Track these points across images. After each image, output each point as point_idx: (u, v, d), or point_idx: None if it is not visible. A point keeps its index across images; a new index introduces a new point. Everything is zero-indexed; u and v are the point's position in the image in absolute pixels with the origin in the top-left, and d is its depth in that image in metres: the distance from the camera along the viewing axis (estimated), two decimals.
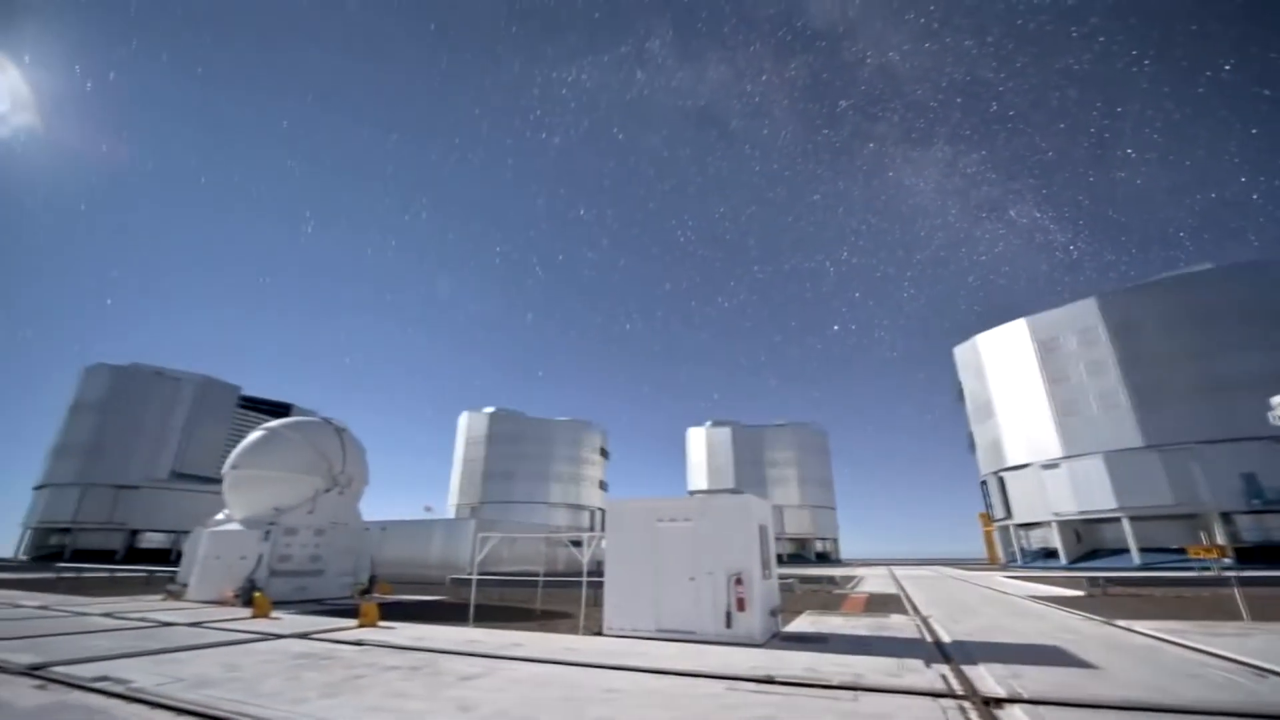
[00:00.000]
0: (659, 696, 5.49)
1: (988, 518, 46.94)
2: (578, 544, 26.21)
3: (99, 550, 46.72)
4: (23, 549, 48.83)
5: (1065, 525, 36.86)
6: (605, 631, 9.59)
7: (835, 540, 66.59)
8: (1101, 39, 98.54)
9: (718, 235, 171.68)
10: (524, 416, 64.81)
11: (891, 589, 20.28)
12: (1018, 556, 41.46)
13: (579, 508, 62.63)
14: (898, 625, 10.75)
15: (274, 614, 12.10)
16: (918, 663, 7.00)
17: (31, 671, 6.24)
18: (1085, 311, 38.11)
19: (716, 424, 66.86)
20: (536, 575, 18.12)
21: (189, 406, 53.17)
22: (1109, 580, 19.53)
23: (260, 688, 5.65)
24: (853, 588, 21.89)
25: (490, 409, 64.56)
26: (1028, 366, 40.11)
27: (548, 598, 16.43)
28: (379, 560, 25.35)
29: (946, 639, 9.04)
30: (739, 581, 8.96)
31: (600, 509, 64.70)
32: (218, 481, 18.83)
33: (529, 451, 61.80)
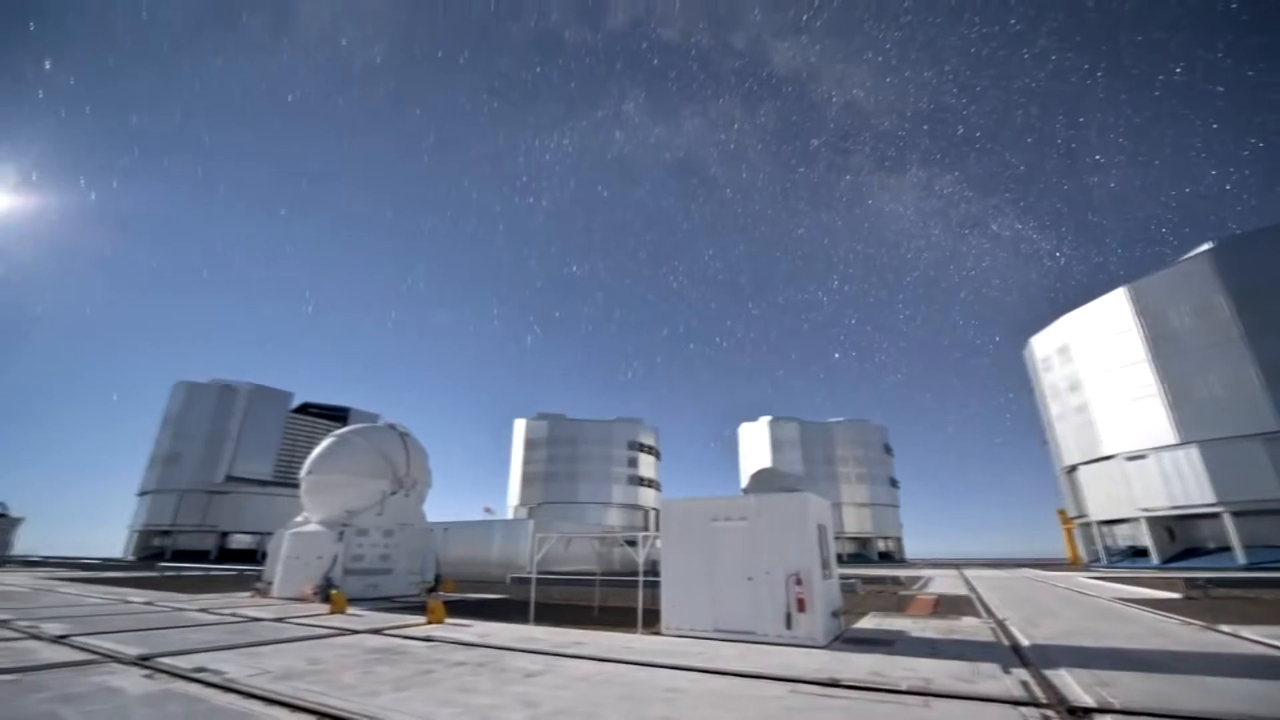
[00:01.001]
0: (720, 697, 5.44)
1: (1066, 515, 43.99)
2: (633, 544, 26.32)
3: (194, 550, 50.81)
4: (130, 550, 53.67)
5: (1156, 522, 33.96)
6: (664, 631, 9.60)
7: (899, 540, 64.14)
8: (1053, 58, 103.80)
9: (709, 277, 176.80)
10: (578, 419, 65.80)
11: (961, 590, 19.32)
12: (1102, 556, 38.59)
13: (634, 507, 62.98)
14: (970, 628, 10.23)
15: (349, 610, 12.78)
16: (993, 667, 6.63)
17: (140, 662, 6.84)
18: (1198, 272, 32.37)
19: (779, 420, 65.70)
20: (593, 575, 18.35)
21: (267, 417, 57.02)
22: (1209, 581, 17.89)
23: (338, 680, 5.98)
24: (919, 589, 20.99)
25: (542, 414, 65.89)
26: (1124, 346, 35.96)
27: (605, 597, 16.60)
28: (442, 560, 26.31)
29: (1025, 642, 8.53)
30: (798, 582, 8.77)
31: (654, 508, 64.88)
32: (297, 486, 20.09)
33: (584, 453, 62.66)
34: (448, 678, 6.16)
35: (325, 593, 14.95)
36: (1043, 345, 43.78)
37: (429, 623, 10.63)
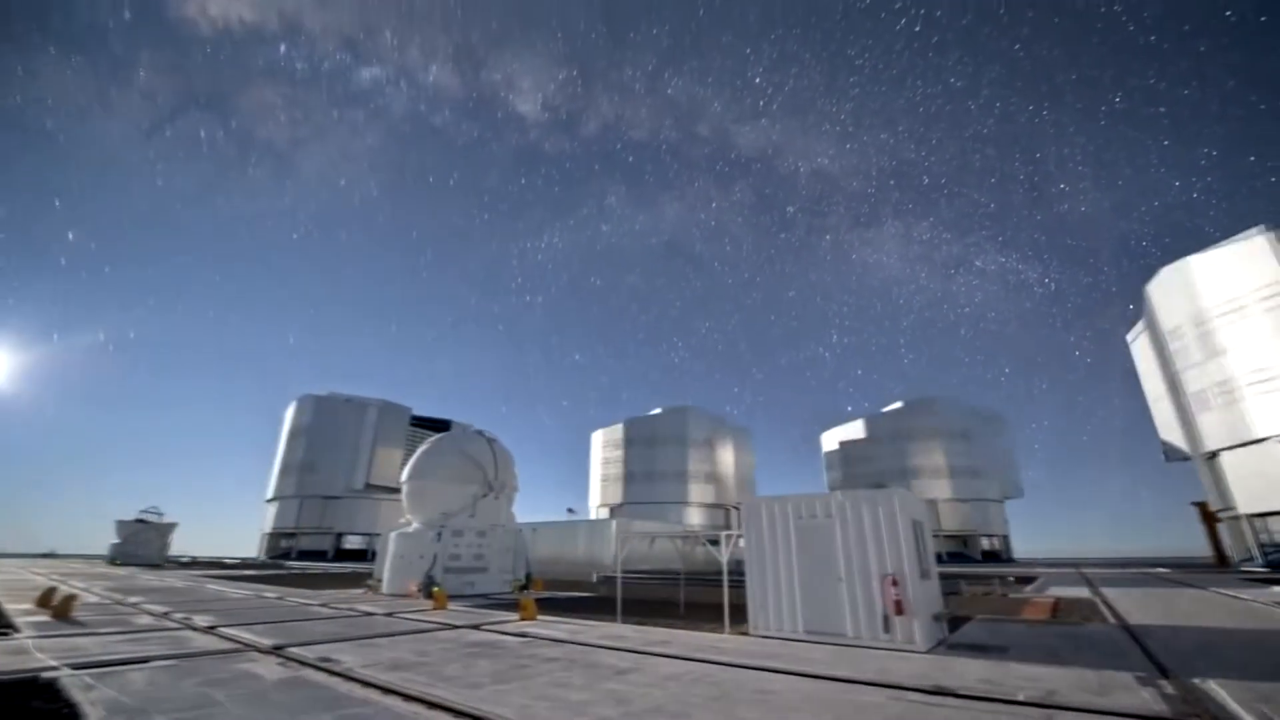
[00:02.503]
0: (815, 702, 5.26)
1: (1208, 508, 38.66)
2: (715, 543, 26.10)
3: (315, 550, 56.09)
4: (262, 550, 60.06)
5: None
6: (751, 631, 9.43)
7: (1005, 537, 59.20)
8: (998, 105, 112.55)
9: (709, 349, 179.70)
10: (657, 417, 66.21)
11: (1083, 592, 17.52)
12: (1255, 554, 33.58)
13: (715, 506, 62.43)
14: (1095, 634, 9.25)
15: (450, 606, 13.58)
16: (1125, 677, 5.95)
17: (274, 651, 7.61)
18: None
19: (873, 417, 62.82)
20: (677, 573, 18.36)
21: (374, 427, 61.86)
22: None
23: (443, 672, 6.35)
24: (1033, 590, 19.27)
25: (619, 423, 66.98)
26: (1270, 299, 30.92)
27: (690, 595, 16.56)
28: (530, 559, 27.35)
29: (1161, 650, 7.59)
30: (894, 583, 8.32)
31: (736, 507, 64.02)
32: (399, 490, 21.64)
33: (664, 453, 62.90)
34: (542, 673, 6.37)
35: (428, 589, 15.98)
36: (1170, 313, 38.45)
37: (522, 619, 11.07)
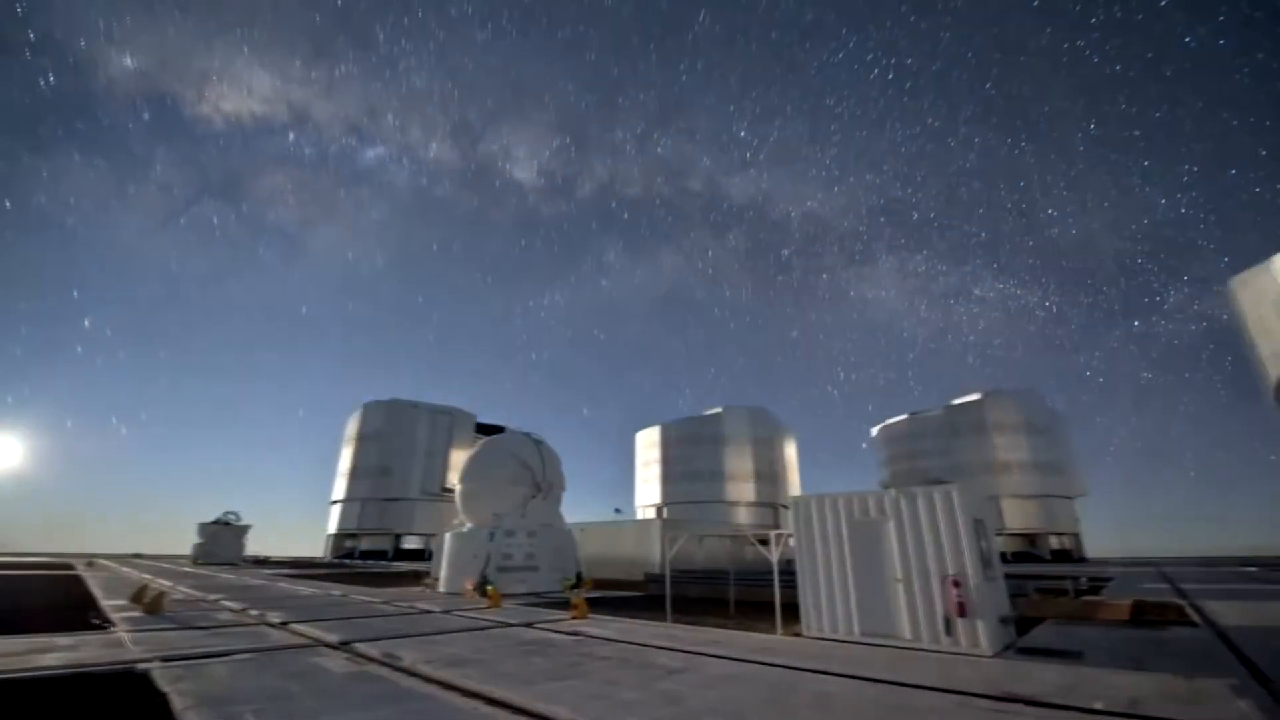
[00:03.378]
0: (877, 707, 5.10)
1: None
2: (764, 542, 25.73)
3: (376, 550, 58.56)
4: (327, 550, 63.19)
5: None
6: (804, 633, 9.24)
7: (1076, 536, 55.77)
8: (976, 140, 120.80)
9: (717, 394, 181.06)
10: (699, 417, 65.86)
11: (1165, 592, 16.31)
12: None
13: (763, 505, 61.55)
14: (1181, 638, 8.59)
15: (504, 605, 13.90)
16: (1218, 685, 5.50)
17: (342, 646, 7.98)
18: None
19: (918, 415, 60.61)
20: (726, 573, 18.21)
21: (448, 430, 64.28)
22: None
23: (499, 669, 6.51)
24: (1108, 591, 18.09)
25: (660, 424, 66.99)
26: None
27: (739, 595, 16.38)
28: (579, 559, 27.68)
29: (1258, 655, 6.97)
30: (955, 584, 7.97)
31: (784, 505, 62.93)
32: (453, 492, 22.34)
33: (709, 452, 62.47)
34: (595, 671, 6.44)
35: (483, 588, 16.42)
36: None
37: (573, 618, 11.22)
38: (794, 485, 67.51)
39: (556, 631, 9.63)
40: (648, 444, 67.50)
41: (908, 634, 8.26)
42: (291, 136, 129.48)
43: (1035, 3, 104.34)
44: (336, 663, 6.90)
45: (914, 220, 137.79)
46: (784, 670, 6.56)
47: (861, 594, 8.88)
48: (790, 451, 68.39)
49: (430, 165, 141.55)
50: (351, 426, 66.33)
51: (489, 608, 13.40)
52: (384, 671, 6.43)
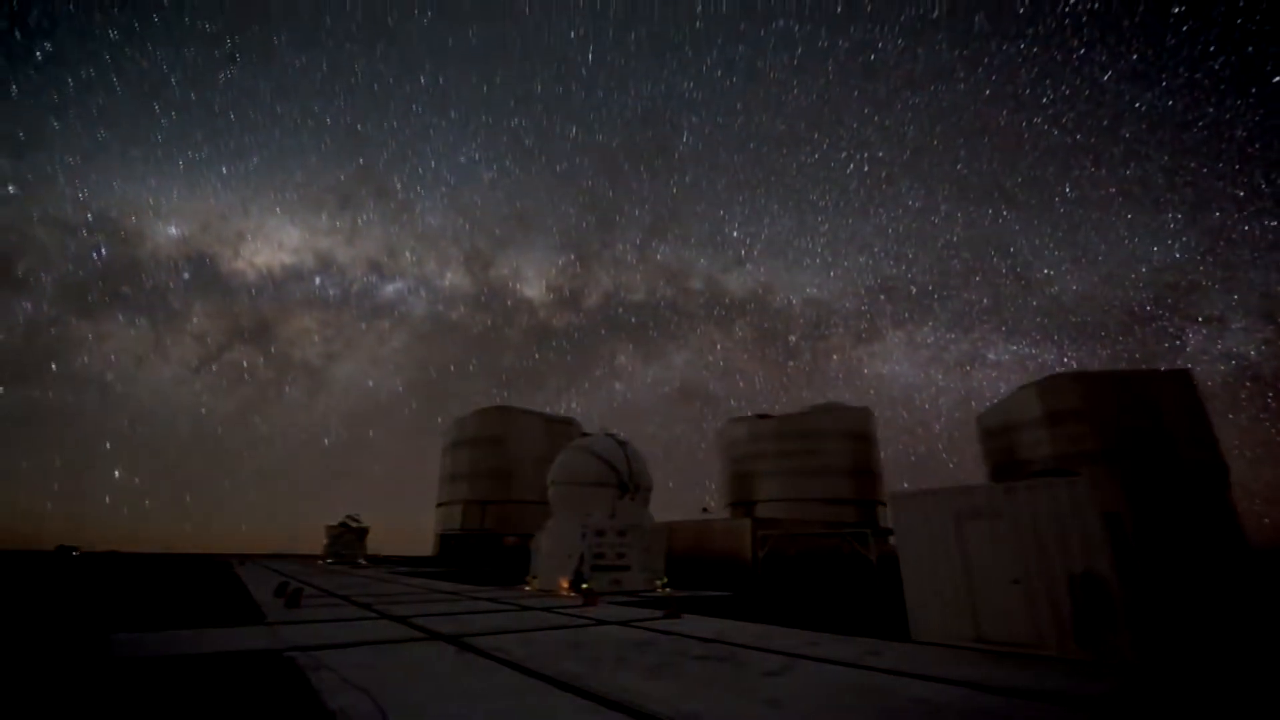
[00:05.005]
0: None
1: None
2: (862, 540, 24.59)
3: (479, 550, 62.16)
4: (435, 549, 67.96)
5: None
6: (913, 637, 8.72)
7: None
8: (959, 214, 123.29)
9: None
10: (793, 414, 64.08)
11: None
12: None
13: (859, 502, 58.74)
14: None
15: (598, 603, 14.27)
16: None
17: (454, 639, 8.54)
18: None
19: (1054, 381, 54.79)
20: (821, 572, 17.58)
21: (544, 437, 67.41)
22: None
23: (597, 665, 6.68)
24: None
25: (747, 415, 65.74)
26: None
27: (837, 595, 15.75)
28: (669, 557, 27.82)
29: None
30: (1086, 586, 7.19)
31: (883, 502, 59.68)
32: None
33: (802, 448, 60.64)
34: (691, 671, 6.44)
35: (578, 586, 16.94)
36: None
37: (666, 617, 11.29)
38: (892, 481, 63.83)
39: (651, 630, 9.74)
40: (737, 440, 66.61)
41: (1034, 641, 7.56)
42: (318, 280, 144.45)
43: (987, 92, 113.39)
44: (451, 655, 7.39)
45: (913, 294, 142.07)
46: (890, 676, 6.22)
47: (975, 596, 8.24)
48: (879, 449, 64.86)
49: (445, 292, 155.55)
50: (458, 431, 70.96)
51: (584, 606, 13.80)
52: (489, 664, 6.81)
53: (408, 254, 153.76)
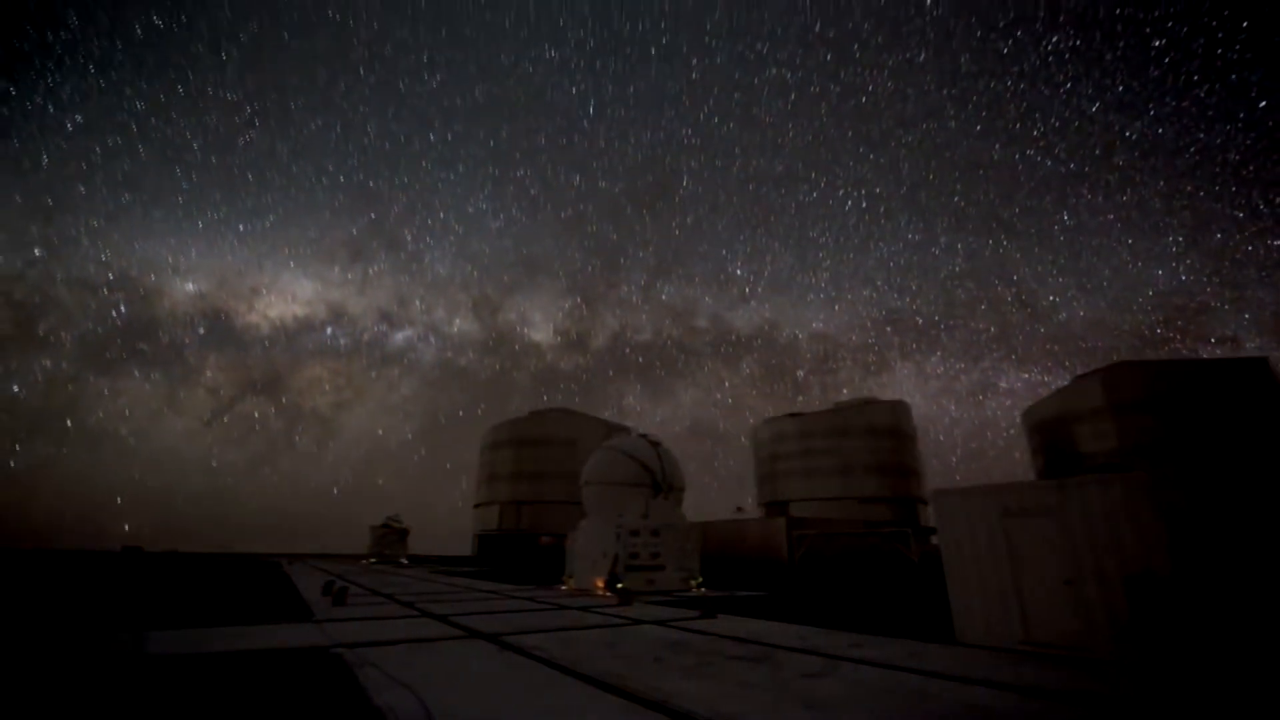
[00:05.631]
0: None
1: None
2: (903, 540, 23.99)
3: (516, 550, 63.13)
4: (474, 549, 69.31)
5: None
6: (958, 639, 8.46)
7: None
8: (959, 245, 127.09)
9: None
10: (826, 410, 63.04)
11: None
12: None
13: (897, 499, 57.33)
14: None
15: (634, 603, 14.31)
16: None
17: (494, 638, 8.69)
18: None
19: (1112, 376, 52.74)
20: (859, 571, 17.22)
21: (593, 437, 68.26)
22: None
23: (634, 665, 6.70)
24: None
25: (772, 415, 65.04)
26: None
27: (876, 595, 15.40)
28: (703, 557, 27.68)
29: None
30: (1145, 586, 6.86)
31: (923, 500, 58.08)
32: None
33: (836, 445, 59.55)
34: (727, 671, 6.40)
35: (613, 586, 17.02)
36: None
37: (701, 617, 11.24)
38: (933, 478, 62.09)
39: (687, 630, 9.72)
40: (768, 440, 65.90)
41: (1087, 645, 7.25)
42: (329, 331, 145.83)
43: (978, 127, 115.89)
44: (492, 653, 7.53)
45: (919, 325, 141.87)
46: (935, 679, 6.06)
47: (1024, 597, 7.95)
48: (919, 445, 63.09)
49: (454, 339, 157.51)
50: (511, 431, 72.40)
51: (620, 605, 13.86)
52: (528, 661, 6.91)
53: (417, 303, 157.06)
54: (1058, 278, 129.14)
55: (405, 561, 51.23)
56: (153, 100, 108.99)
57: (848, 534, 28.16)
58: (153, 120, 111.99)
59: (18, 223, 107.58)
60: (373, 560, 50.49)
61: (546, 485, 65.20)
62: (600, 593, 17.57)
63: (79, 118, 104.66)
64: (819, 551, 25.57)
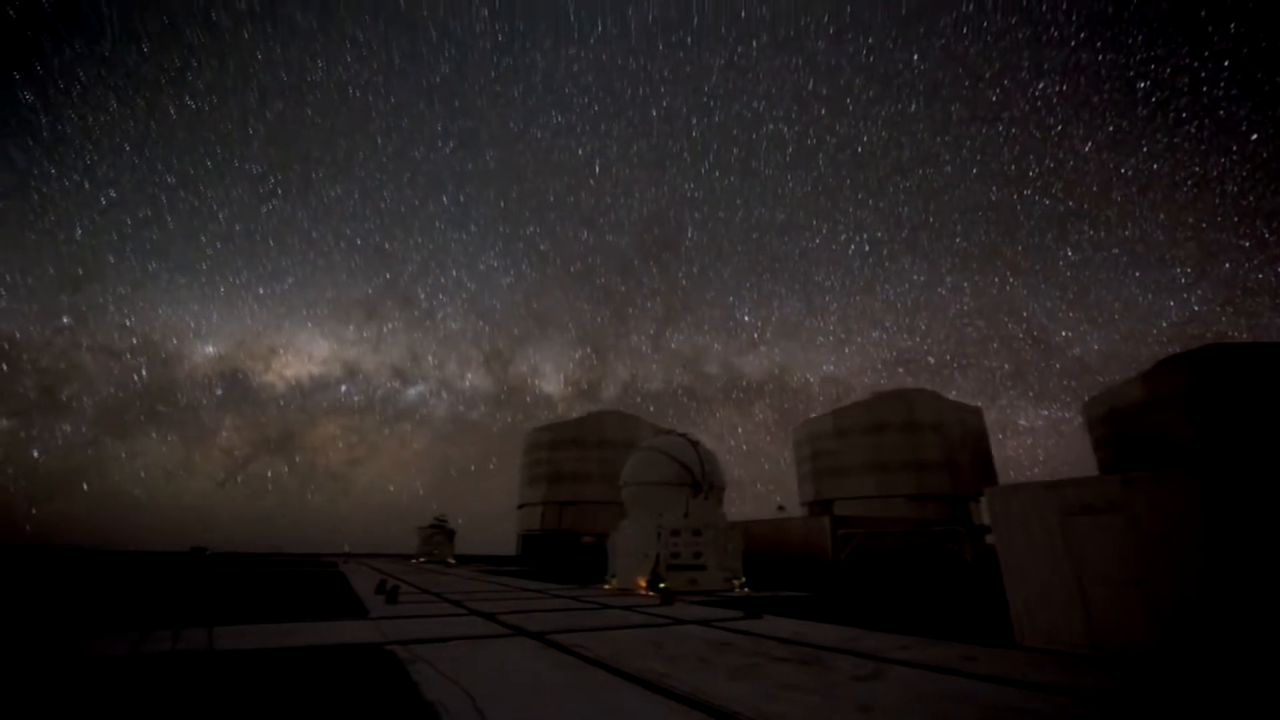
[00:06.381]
0: None
1: None
2: (955, 539, 23.12)
3: (559, 549, 64.02)
4: (518, 549, 70.62)
5: None
6: (1018, 642, 8.10)
7: None
8: (965, 284, 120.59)
9: None
10: (864, 402, 61.51)
11: None
12: None
13: (948, 497, 55.30)
14: None
15: (675, 602, 14.28)
16: None
17: (539, 636, 8.83)
18: None
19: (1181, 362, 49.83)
20: (907, 571, 16.69)
21: (607, 438, 68.90)
22: None
23: (679, 665, 6.68)
24: None
25: (823, 414, 63.78)
26: None
27: (926, 595, 14.89)
28: (745, 557, 27.37)
29: None
30: (1219, 587, 6.39)
31: (975, 498, 55.83)
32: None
33: (879, 441, 57.96)
34: (774, 673, 6.31)
35: (655, 585, 17.04)
36: None
37: (745, 617, 11.12)
38: (989, 475, 59.65)
39: (730, 630, 9.63)
40: (807, 439, 64.68)
41: (1149, 646, 6.82)
42: (343, 389, 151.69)
43: (974, 170, 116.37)
44: (538, 651, 7.65)
45: (931, 364, 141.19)
46: (992, 684, 5.81)
47: (1086, 597, 7.54)
48: (973, 440, 60.61)
49: (466, 393, 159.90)
50: (531, 436, 73.55)
51: (661, 605, 13.85)
52: (573, 660, 6.98)
53: (430, 359, 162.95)
54: (1067, 313, 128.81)
55: (453, 561, 52.63)
56: (183, 174, 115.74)
57: (895, 532, 27.33)
58: (182, 193, 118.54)
59: (49, 293, 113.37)
60: (421, 560, 52.05)
61: (588, 486, 65.99)
62: (643, 592, 17.61)
63: (113, 193, 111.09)
64: (867, 551, 24.91)
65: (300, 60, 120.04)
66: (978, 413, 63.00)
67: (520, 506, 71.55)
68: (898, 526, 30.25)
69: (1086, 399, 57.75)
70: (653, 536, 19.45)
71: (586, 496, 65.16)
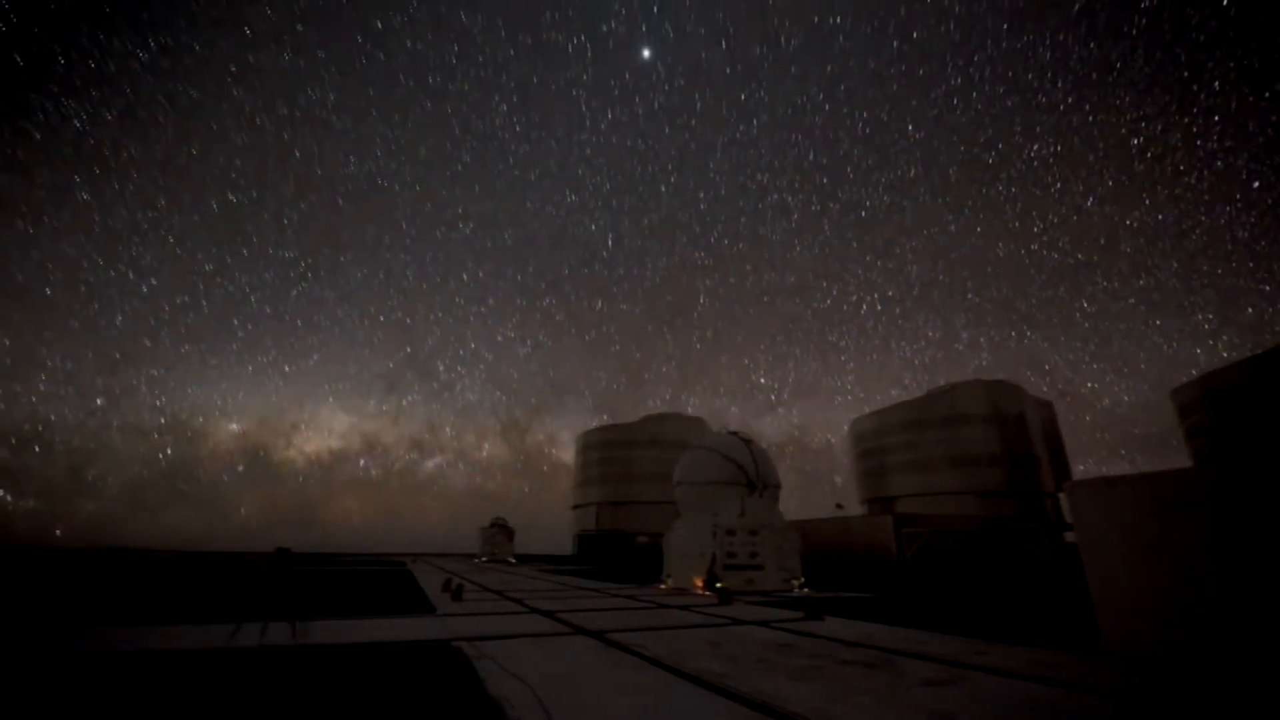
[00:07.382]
0: None
1: None
2: (1032, 537, 21.80)
3: (614, 549, 64.61)
4: (574, 549, 71.76)
5: None
6: (1106, 647, 7.54)
7: None
8: (982, 340, 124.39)
9: None
10: (920, 399, 58.99)
11: None
12: None
13: (1017, 493, 52.17)
14: None
15: (733, 603, 14.11)
16: None
17: (597, 634, 8.92)
18: None
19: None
20: (978, 571, 15.86)
21: (659, 438, 69.19)
22: None
23: (739, 665, 6.60)
24: None
25: (863, 415, 61.66)
26: None
27: (999, 598, 14.09)
28: (804, 557, 26.73)
29: None
30: None
31: (1051, 494, 52.52)
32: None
33: (939, 437, 55.43)
34: (840, 676, 6.12)
35: (712, 586, 16.90)
36: None
37: (806, 618, 10.86)
38: (1062, 470, 55.97)
39: (791, 631, 9.43)
40: (866, 434, 62.60)
41: (1257, 653, 6.18)
42: (361, 463, 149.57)
43: (978, 229, 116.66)
44: (600, 650, 7.74)
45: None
46: (1078, 693, 5.43)
47: (1183, 600, 6.93)
48: (1046, 433, 56.95)
49: (483, 463, 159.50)
50: (582, 438, 74.68)
51: (719, 605, 13.72)
52: (632, 660, 7.01)
53: (448, 430, 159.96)
54: (1091, 364, 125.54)
55: (513, 560, 54.04)
56: (220, 262, 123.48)
57: (966, 530, 26.03)
58: (218, 279, 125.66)
59: (86, 377, 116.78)
60: (482, 559, 53.69)
61: (642, 486, 66.33)
62: (699, 592, 17.51)
63: (154, 280, 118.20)
64: (935, 549, 23.83)
65: (335, 155, 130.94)
66: (1049, 407, 59.34)
67: (575, 507, 72.73)
68: (967, 524, 28.81)
69: (1175, 390, 53.38)
70: (708, 536, 19.30)
71: (640, 496, 65.54)
